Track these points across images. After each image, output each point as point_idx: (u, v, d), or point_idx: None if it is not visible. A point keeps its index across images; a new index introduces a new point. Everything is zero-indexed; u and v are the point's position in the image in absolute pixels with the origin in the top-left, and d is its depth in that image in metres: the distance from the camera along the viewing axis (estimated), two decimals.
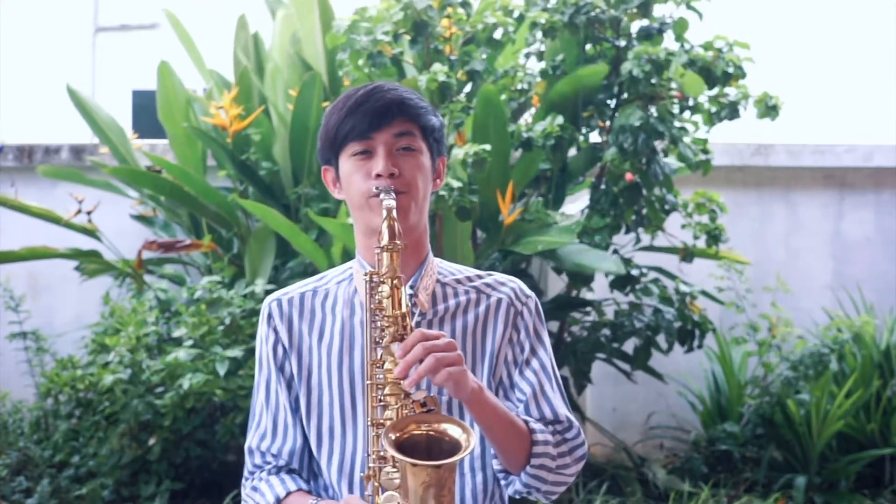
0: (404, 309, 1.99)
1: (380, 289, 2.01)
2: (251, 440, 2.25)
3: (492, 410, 2.05)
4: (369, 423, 1.98)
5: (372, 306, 2.02)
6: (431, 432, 1.92)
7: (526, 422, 2.13)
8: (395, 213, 2.02)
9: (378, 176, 2.09)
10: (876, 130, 6.23)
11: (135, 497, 4.74)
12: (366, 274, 2.04)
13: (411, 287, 2.16)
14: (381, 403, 1.97)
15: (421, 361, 1.92)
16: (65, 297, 5.78)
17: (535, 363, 2.21)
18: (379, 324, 2.00)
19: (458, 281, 2.23)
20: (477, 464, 2.18)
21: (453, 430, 1.91)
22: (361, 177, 2.12)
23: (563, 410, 2.20)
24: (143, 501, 4.70)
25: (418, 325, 2.15)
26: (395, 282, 2.00)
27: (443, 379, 1.93)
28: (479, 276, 2.26)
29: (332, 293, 2.23)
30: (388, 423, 1.93)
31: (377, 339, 2.00)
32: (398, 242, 2.01)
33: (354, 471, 2.16)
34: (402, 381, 1.93)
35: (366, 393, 2.00)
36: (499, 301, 2.22)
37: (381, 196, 2.05)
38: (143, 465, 4.75)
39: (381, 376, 1.98)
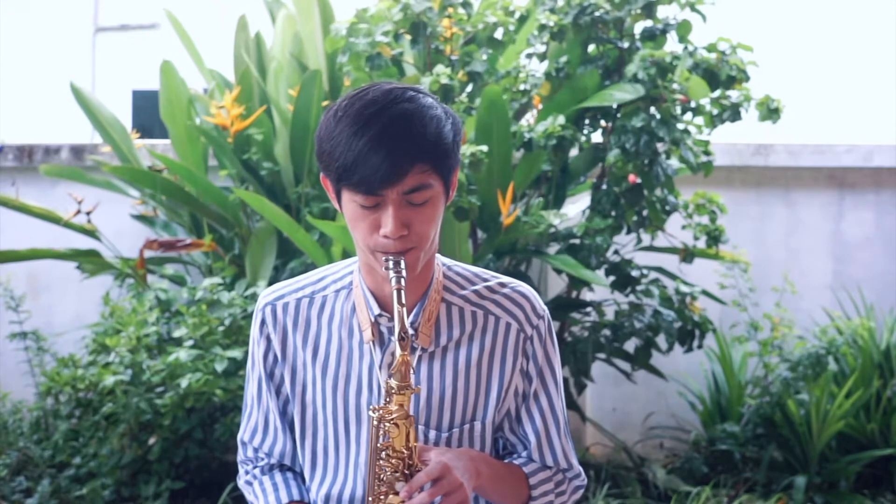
0: (412, 444, 1.92)
1: (387, 426, 1.92)
2: (243, 433, 2.23)
3: (491, 487, 2.06)
4: None
5: (379, 445, 1.93)
6: None
7: (526, 474, 2.14)
8: (409, 346, 1.90)
9: (386, 236, 1.93)
10: (876, 130, 6.24)
11: (135, 497, 4.74)
12: (373, 409, 1.93)
13: (412, 325, 2.06)
14: None
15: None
16: (65, 297, 5.78)
17: (542, 400, 2.14)
18: (384, 455, 1.93)
19: (466, 298, 2.11)
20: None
21: None
22: (367, 227, 1.95)
23: (567, 456, 2.18)
24: (143, 501, 4.70)
25: (420, 359, 2.08)
26: (405, 422, 1.91)
27: None
28: (491, 290, 2.12)
29: (329, 303, 2.13)
30: None
31: (379, 474, 1.93)
32: (410, 385, 1.91)
33: (343, 495, 2.12)
34: None
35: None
36: (507, 327, 2.10)
37: (392, 281, 1.92)
38: (143, 465, 4.75)
39: None
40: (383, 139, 1.90)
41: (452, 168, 2.00)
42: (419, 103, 1.95)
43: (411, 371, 1.91)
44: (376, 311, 2.07)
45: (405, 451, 1.92)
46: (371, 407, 1.96)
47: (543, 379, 2.14)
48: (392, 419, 1.91)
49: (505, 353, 2.11)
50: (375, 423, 1.93)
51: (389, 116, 1.91)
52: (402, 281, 1.92)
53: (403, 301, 1.91)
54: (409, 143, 1.91)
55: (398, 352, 1.90)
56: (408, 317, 2.03)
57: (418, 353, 2.08)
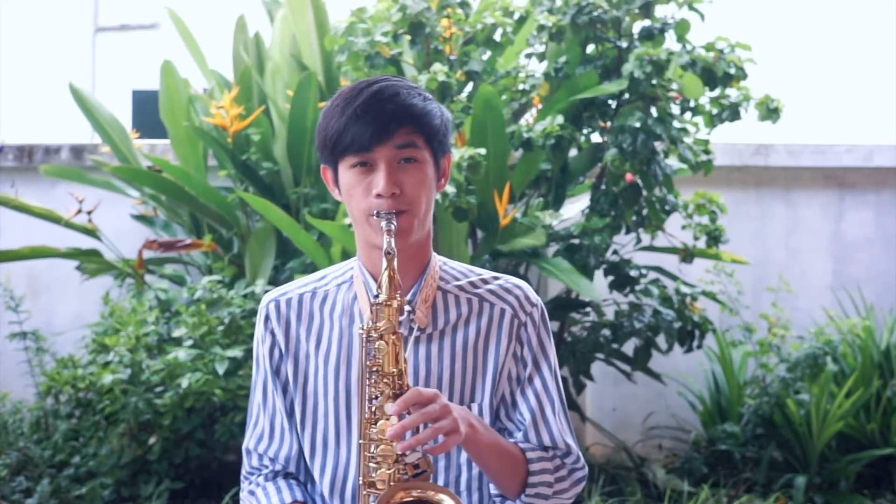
0: (401, 366, 1.95)
1: (377, 344, 1.95)
2: (248, 441, 2.24)
3: (486, 447, 2.05)
4: (361, 482, 1.95)
5: (368, 363, 1.96)
6: (422, 500, 1.88)
7: (523, 450, 2.13)
8: (395, 261, 1.95)
9: (378, 195, 2.02)
10: (876, 130, 6.24)
11: (135, 497, 4.74)
12: (362, 328, 1.98)
13: (409, 303, 2.11)
14: (374, 462, 1.93)
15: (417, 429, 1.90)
16: (65, 297, 5.79)
17: (537, 382, 2.17)
18: (374, 379, 1.95)
19: (461, 287, 2.17)
20: (474, 483, 2.16)
21: (445, 501, 1.88)
22: (361, 192, 2.04)
23: (563, 436, 2.17)
24: (142, 501, 4.71)
25: (417, 340, 2.12)
26: (393, 338, 1.95)
27: (438, 451, 1.92)
28: (484, 281, 2.18)
29: (331, 296, 2.18)
30: (380, 487, 1.90)
31: (371, 396, 1.95)
32: (397, 297, 1.95)
33: (346, 486, 2.14)
34: (395, 443, 1.91)
35: (359, 451, 1.96)
36: (502, 312, 2.15)
37: (382, 226, 1.99)
38: (142, 465, 4.75)
39: (375, 433, 1.94)
40: (371, 105, 2.03)
41: (442, 146, 2.09)
42: (406, 83, 2.08)
43: (398, 285, 1.96)
44: (375, 291, 2.08)
45: (394, 371, 1.94)
46: (360, 326, 2.00)
47: (538, 364, 2.17)
48: (379, 332, 1.94)
49: (500, 336, 2.15)
50: (363, 337, 1.96)
51: (377, 87, 2.05)
52: (392, 226, 1.99)
53: (393, 232, 1.98)
54: (397, 107, 2.03)
55: (384, 265, 1.96)
56: (405, 296, 2.10)
57: (416, 333, 2.12)
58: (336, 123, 2.03)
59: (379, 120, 2.01)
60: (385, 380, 1.94)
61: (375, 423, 1.94)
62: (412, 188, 2.03)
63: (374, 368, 1.95)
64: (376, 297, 1.97)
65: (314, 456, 2.17)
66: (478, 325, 2.14)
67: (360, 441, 1.96)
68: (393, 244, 1.96)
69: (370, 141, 2.01)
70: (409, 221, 2.04)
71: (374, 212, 2.02)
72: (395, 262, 1.96)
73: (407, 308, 2.11)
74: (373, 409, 1.95)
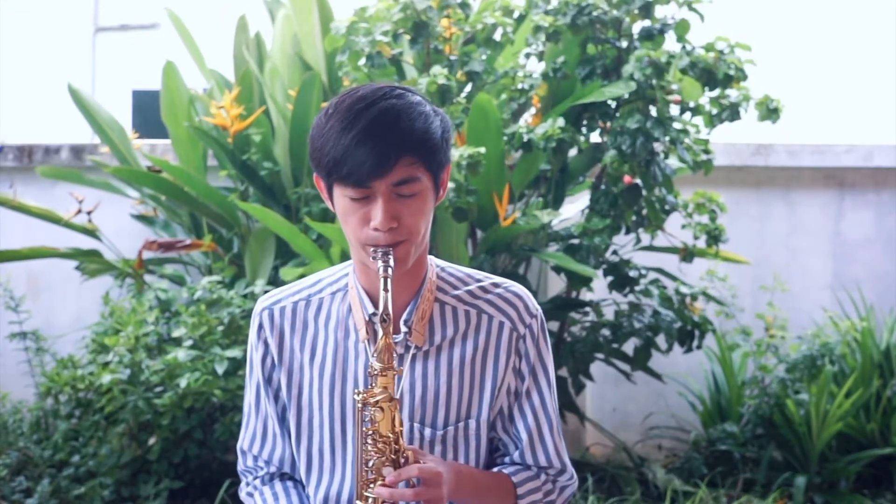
0: (398, 429, 1.94)
1: (373, 410, 1.93)
2: (243, 441, 2.23)
3: (473, 494, 2.07)
4: None
5: (364, 429, 1.94)
6: None
7: (514, 484, 2.14)
8: (391, 326, 1.93)
9: (376, 229, 1.96)
10: (876, 130, 6.24)
11: (134, 496, 4.74)
12: (357, 393, 1.95)
13: (405, 323, 2.08)
14: None
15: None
16: (65, 297, 5.79)
17: (534, 398, 2.15)
18: (371, 442, 1.94)
19: (459, 298, 2.12)
20: None
21: None
22: (357, 221, 1.97)
23: (559, 455, 2.18)
24: (142, 501, 4.71)
25: (414, 357, 2.09)
26: (389, 404, 1.93)
27: None
28: (484, 290, 2.13)
29: (325, 305, 2.14)
30: None
31: (367, 459, 1.94)
32: (394, 366, 1.93)
33: (341, 501, 2.13)
34: None
35: None
36: (500, 326, 2.11)
37: (379, 270, 1.95)
38: (142, 465, 4.76)
39: (372, 492, 1.95)
40: (371, 132, 1.93)
41: (441, 165, 2.02)
42: (407, 100, 1.98)
43: (394, 353, 1.93)
44: (370, 309, 2.08)
45: (391, 436, 1.93)
46: (355, 391, 1.98)
47: (536, 377, 2.15)
48: (376, 401, 1.92)
49: (498, 352, 2.11)
50: (359, 406, 1.94)
51: (377, 111, 1.95)
52: (389, 270, 1.95)
53: (389, 287, 1.94)
54: (397, 136, 1.93)
55: (380, 334, 1.93)
56: (401, 314, 2.08)
57: (412, 351, 2.09)
58: (333, 149, 1.94)
59: (378, 151, 1.92)
60: (380, 444, 1.93)
61: (374, 482, 1.94)
62: (410, 218, 1.97)
63: (370, 432, 1.93)
64: (372, 366, 1.94)
65: (310, 469, 2.15)
66: (475, 341, 2.11)
67: (358, 502, 1.96)
68: (389, 307, 1.92)
69: (368, 175, 1.93)
70: (406, 250, 1.99)
71: (372, 250, 1.97)
72: (391, 327, 1.93)
73: (404, 329, 2.08)
74: (370, 472, 1.95)
